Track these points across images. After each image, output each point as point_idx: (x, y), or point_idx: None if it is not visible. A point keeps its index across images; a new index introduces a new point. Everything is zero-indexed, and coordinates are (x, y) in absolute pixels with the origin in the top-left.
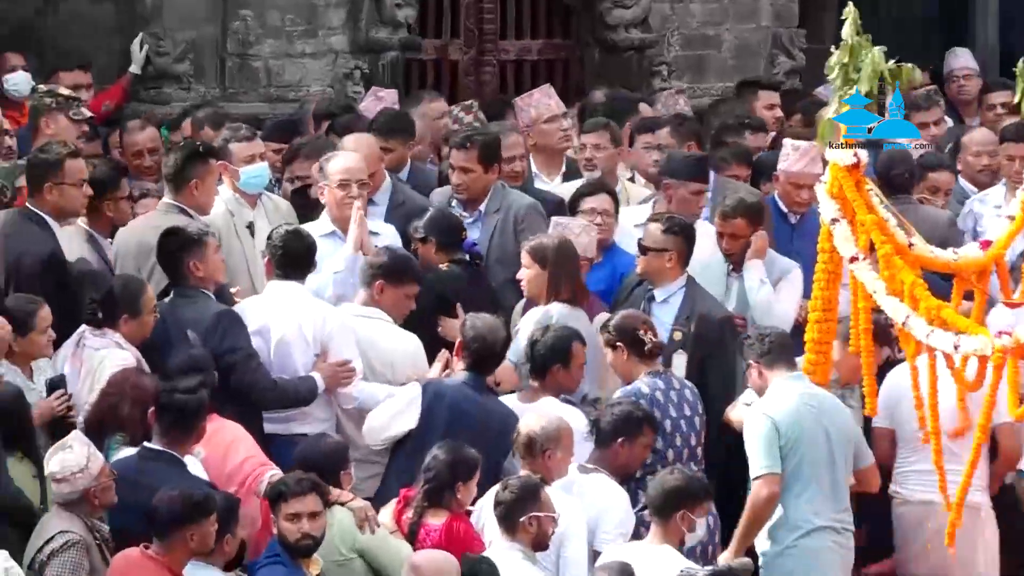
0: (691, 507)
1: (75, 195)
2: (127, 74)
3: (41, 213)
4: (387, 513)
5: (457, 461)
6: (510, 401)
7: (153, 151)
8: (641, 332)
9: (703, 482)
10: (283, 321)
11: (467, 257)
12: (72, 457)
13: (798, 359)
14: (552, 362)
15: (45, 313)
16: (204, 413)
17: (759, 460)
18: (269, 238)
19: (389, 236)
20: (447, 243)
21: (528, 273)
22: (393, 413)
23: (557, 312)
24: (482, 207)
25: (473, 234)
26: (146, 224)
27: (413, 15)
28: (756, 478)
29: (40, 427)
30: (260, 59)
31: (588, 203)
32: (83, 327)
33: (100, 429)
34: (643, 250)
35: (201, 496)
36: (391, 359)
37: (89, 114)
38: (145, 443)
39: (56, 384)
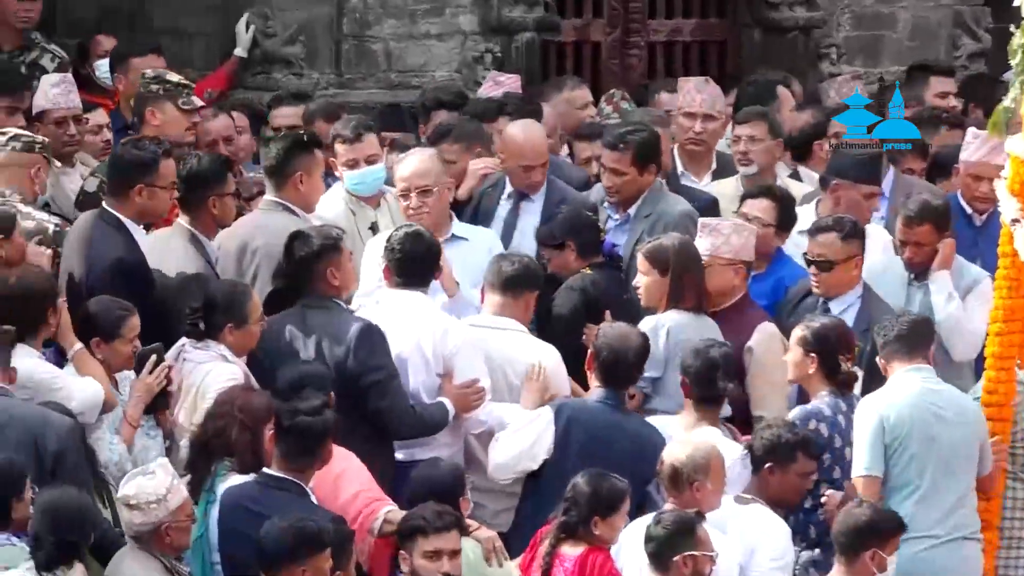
0: (881, 545)
1: (165, 198)
2: (232, 58)
3: (120, 216)
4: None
5: (599, 493)
6: (671, 425)
7: (229, 140)
8: (842, 359)
9: (895, 517)
10: (400, 336)
11: (607, 260)
12: (151, 485)
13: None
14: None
15: (135, 322)
16: (329, 437)
17: (858, 460)
18: (387, 241)
19: (486, 240)
20: (586, 246)
21: (645, 280)
22: (524, 445)
23: (671, 321)
24: (632, 210)
25: (619, 238)
26: (250, 223)
27: None
28: (855, 479)
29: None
30: (380, 41)
31: (746, 207)
32: (183, 339)
33: (206, 454)
34: (822, 265)
35: (314, 529)
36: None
37: (200, 103)
38: (264, 469)
39: (146, 356)
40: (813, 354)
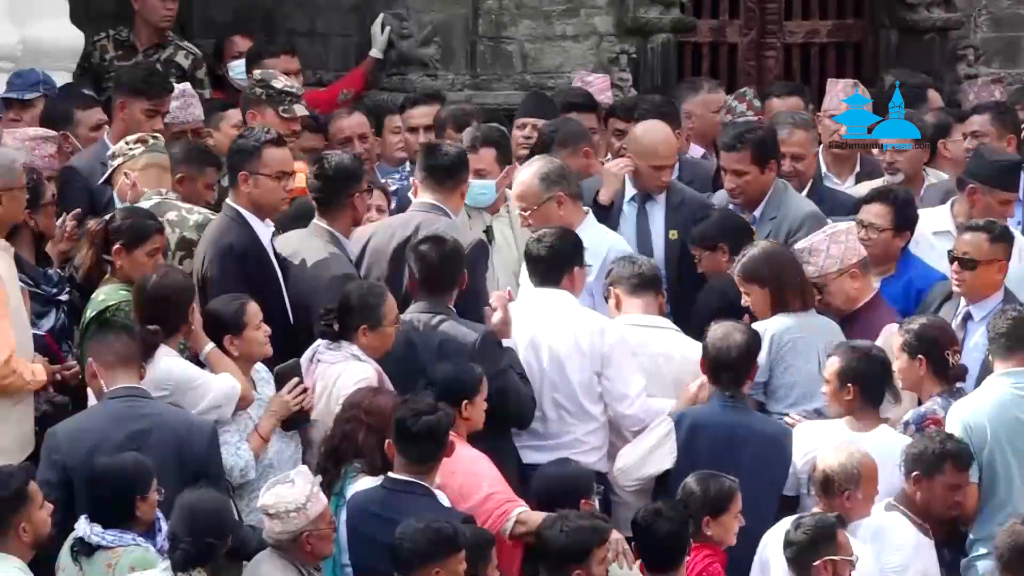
0: None
1: (271, 187)
2: (367, 59)
3: (237, 207)
4: None
5: (708, 493)
6: (841, 429)
7: (363, 138)
8: (949, 353)
9: None
10: (555, 332)
11: None
12: (291, 493)
13: None
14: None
15: (253, 308)
16: (447, 436)
17: None
18: (527, 244)
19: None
20: (738, 248)
21: (750, 299)
22: (645, 451)
23: (775, 326)
24: (757, 211)
25: None
26: (399, 224)
27: None
28: None
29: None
30: (515, 42)
31: (862, 212)
32: (318, 341)
33: (335, 457)
34: (966, 263)
35: (450, 530)
36: (693, 370)
37: (303, 112)
38: (388, 473)
39: (286, 374)
40: (920, 356)
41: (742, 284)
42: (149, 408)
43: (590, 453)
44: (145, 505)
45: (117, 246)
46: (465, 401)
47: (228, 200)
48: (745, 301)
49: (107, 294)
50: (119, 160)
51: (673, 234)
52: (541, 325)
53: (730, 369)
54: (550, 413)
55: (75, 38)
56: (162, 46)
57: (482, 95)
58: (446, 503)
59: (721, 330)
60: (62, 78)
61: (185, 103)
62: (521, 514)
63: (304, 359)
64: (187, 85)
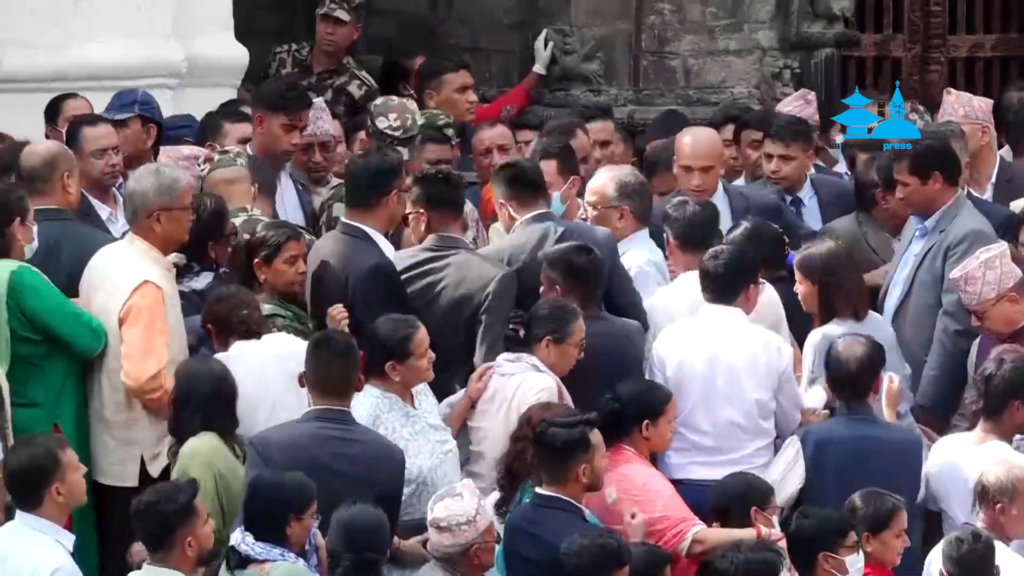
0: None
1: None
2: (531, 74)
3: (362, 227)
4: None
5: (867, 510)
6: (961, 442)
7: (503, 149)
8: None
9: None
10: (732, 351)
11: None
12: (461, 506)
13: None
14: (1010, 397)
15: (422, 336)
16: (582, 450)
17: None
18: (706, 256)
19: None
20: (770, 260)
21: (801, 289)
22: (779, 475)
23: (822, 336)
24: (930, 222)
25: (916, 248)
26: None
27: (850, 7)
28: None
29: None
30: (678, 57)
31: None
32: (499, 356)
33: (511, 475)
34: None
35: (615, 546)
36: (766, 312)
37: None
38: (536, 489)
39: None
40: None
41: (797, 274)
42: (354, 431)
43: (758, 470)
44: (299, 527)
45: (256, 260)
46: (647, 421)
47: (348, 220)
48: (796, 288)
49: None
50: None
51: None
52: (718, 342)
53: (852, 382)
54: (723, 429)
55: (239, 55)
56: (338, 72)
57: (644, 110)
58: (595, 520)
59: (842, 344)
60: (225, 95)
61: (315, 116)
62: (698, 533)
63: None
64: (321, 100)
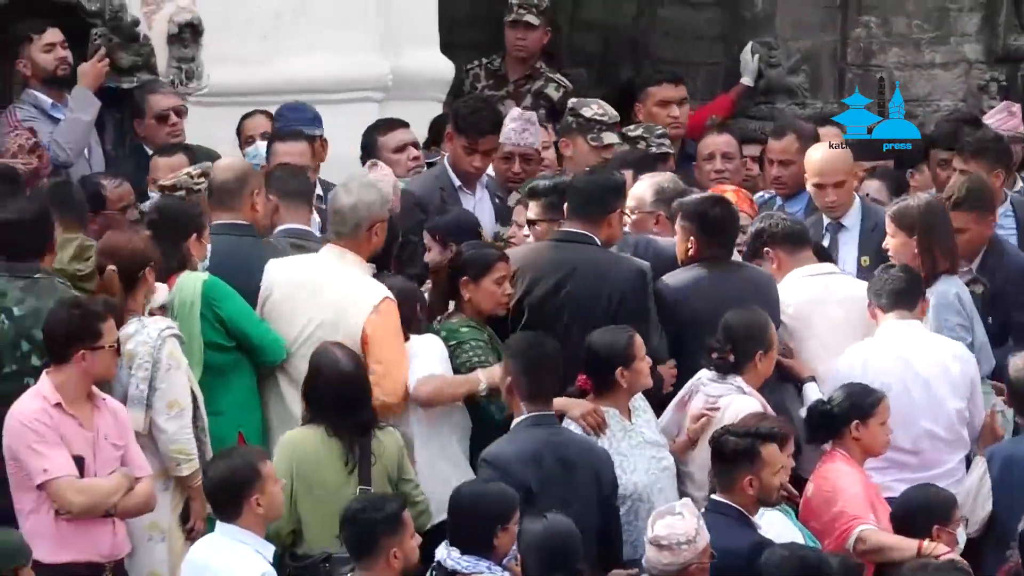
0: None
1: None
2: (738, 85)
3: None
4: None
5: None
6: None
7: (728, 156)
8: None
9: None
10: (923, 362)
11: None
12: (681, 525)
13: None
14: None
15: (639, 340)
16: (749, 461)
17: None
18: (875, 275)
19: None
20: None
21: (893, 242)
22: (971, 497)
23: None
24: None
25: None
26: None
27: None
28: None
29: None
30: (884, 70)
31: None
32: (700, 372)
33: None
34: None
35: (815, 559)
36: None
37: (612, 140)
38: (712, 495)
39: None
40: None
41: (890, 227)
42: (566, 435)
43: (958, 484)
44: (506, 536)
45: (464, 279)
46: (856, 421)
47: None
48: (886, 244)
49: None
50: (180, 193)
51: (865, 260)
52: (908, 356)
53: None
54: (923, 444)
55: (445, 68)
56: (533, 77)
57: None
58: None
59: (1020, 360)
60: (431, 108)
61: (521, 127)
62: (863, 531)
63: (684, 391)
64: (532, 112)
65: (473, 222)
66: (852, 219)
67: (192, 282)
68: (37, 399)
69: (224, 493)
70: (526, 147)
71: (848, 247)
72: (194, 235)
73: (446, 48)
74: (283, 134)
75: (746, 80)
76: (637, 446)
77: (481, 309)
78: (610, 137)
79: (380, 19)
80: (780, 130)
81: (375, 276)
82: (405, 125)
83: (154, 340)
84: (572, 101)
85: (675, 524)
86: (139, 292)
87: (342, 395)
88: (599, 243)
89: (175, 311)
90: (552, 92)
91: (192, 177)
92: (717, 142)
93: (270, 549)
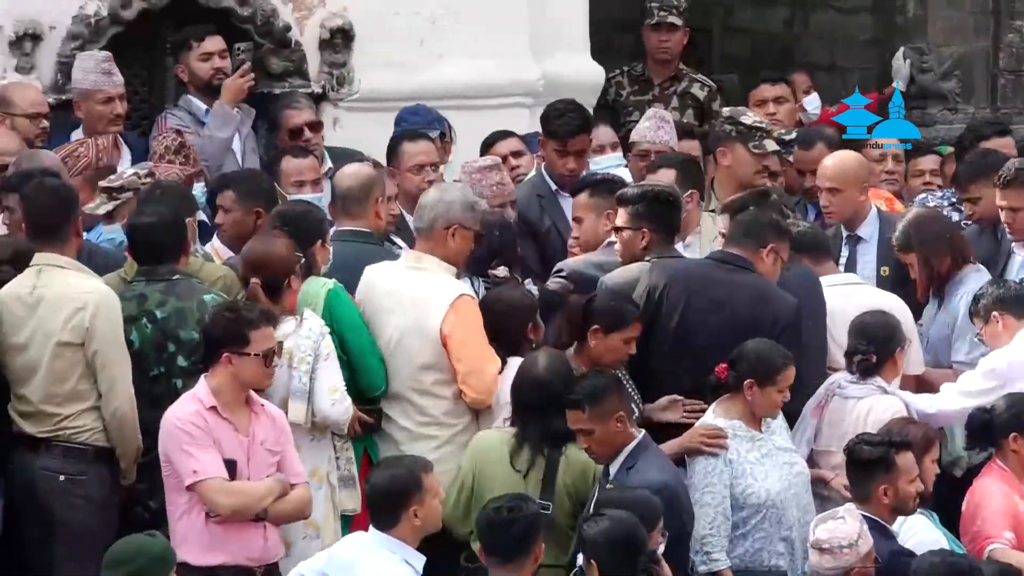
0: None
1: None
2: (890, 88)
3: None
4: None
5: None
6: None
7: (898, 160)
8: None
9: None
10: None
11: None
12: (843, 529)
13: None
14: None
15: (790, 373)
16: (883, 470)
17: None
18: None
19: None
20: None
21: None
22: None
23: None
24: None
25: None
26: None
27: None
28: None
29: None
30: None
31: None
32: (834, 376)
33: None
34: None
35: (965, 566)
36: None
37: (773, 148)
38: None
39: None
40: None
41: (899, 256)
42: None
43: None
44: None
45: (595, 327)
46: (1014, 434)
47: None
48: (914, 274)
49: None
50: (128, 195)
51: (885, 271)
52: None
53: None
54: None
55: (595, 73)
56: (677, 79)
57: None
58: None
59: None
60: None
61: (656, 125)
62: (993, 550)
63: (819, 394)
64: (664, 112)
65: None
66: (869, 230)
67: (317, 288)
68: (193, 402)
69: (383, 501)
70: (661, 145)
71: (867, 258)
72: (319, 241)
73: (601, 53)
74: (410, 134)
75: (897, 85)
76: (768, 454)
77: (600, 361)
78: (771, 144)
79: (531, 25)
80: (809, 140)
81: (498, 283)
82: (511, 135)
83: (315, 335)
84: (726, 110)
85: (837, 528)
86: (284, 298)
87: (534, 402)
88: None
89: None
90: (697, 92)
91: (139, 177)
92: (814, 156)
93: (420, 560)
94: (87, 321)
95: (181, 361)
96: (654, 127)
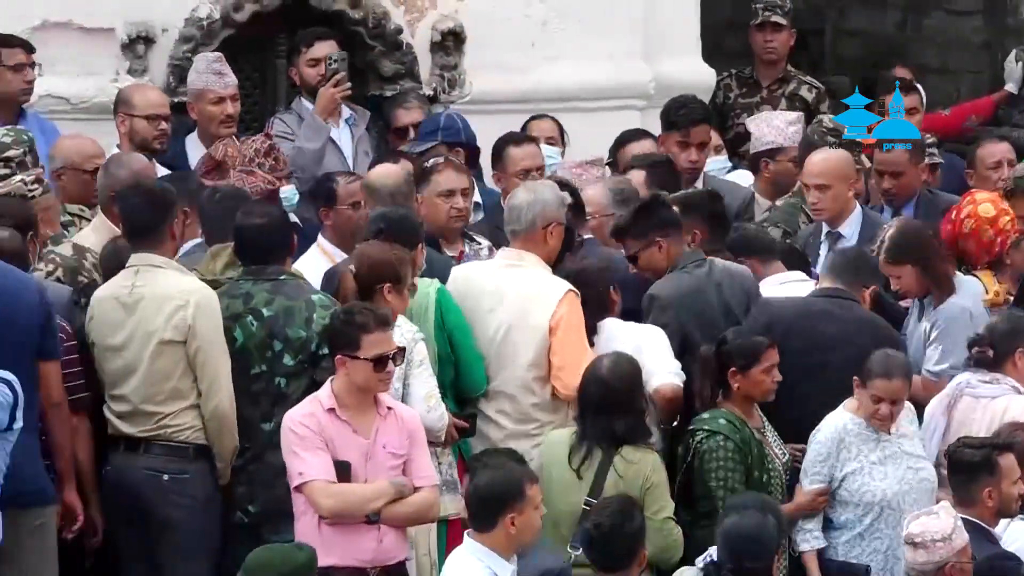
0: None
1: None
2: (1002, 91)
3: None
4: None
5: None
6: None
7: (1012, 165)
8: None
9: None
10: None
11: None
12: (936, 524)
13: None
14: None
15: (897, 386)
16: (987, 472)
17: None
18: None
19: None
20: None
21: (901, 282)
22: None
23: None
24: None
25: None
26: None
27: None
28: None
29: None
30: None
31: None
32: (961, 376)
33: None
34: None
35: None
36: None
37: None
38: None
39: None
40: None
41: (889, 268)
42: None
43: None
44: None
45: (732, 370)
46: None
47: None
48: (895, 285)
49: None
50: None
51: None
52: None
53: None
54: None
55: (706, 75)
56: (785, 80)
57: None
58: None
59: None
60: None
61: (785, 124)
62: None
63: (947, 393)
64: (800, 114)
65: None
66: (850, 228)
67: (425, 288)
68: (312, 403)
69: (483, 504)
70: (788, 148)
71: None
72: (420, 245)
73: (712, 56)
74: (516, 138)
75: (1010, 87)
76: (891, 456)
77: (751, 397)
78: (864, 160)
79: (643, 26)
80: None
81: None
82: (647, 136)
83: (408, 341)
84: (826, 119)
85: (929, 523)
86: (379, 303)
87: (595, 401)
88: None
89: (412, 317)
90: (805, 94)
91: (25, 184)
92: (1001, 150)
93: (508, 570)
94: (189, 318)
95: (287, 360)
96: (780, 128)
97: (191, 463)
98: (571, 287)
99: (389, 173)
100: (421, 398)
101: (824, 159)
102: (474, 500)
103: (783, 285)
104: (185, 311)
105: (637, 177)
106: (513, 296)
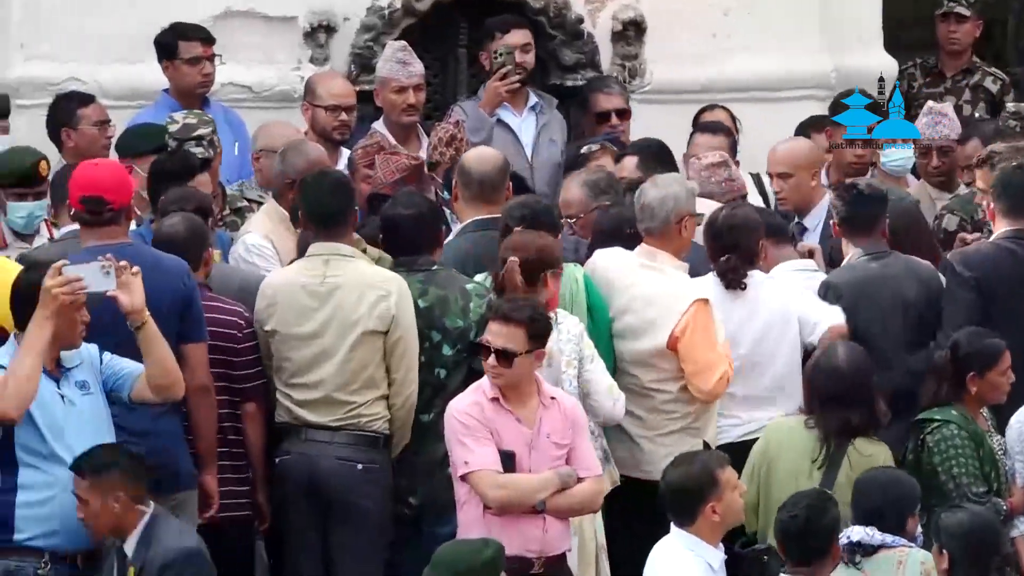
0: None
1: None
2: None
3: None
4: None
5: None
6: None
7: None
8: None
9: None
10: None
11: None
12: None
13: None
14: None
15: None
16: None
17: None
18: None
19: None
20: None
21: None
22: None
23: None
24: None
25: None
26: None
27: None
28: None
29: None
30: None
31: None
32: None
33: None
34: None
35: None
36: None
37: None
38: None
39: None
40: None
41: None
42: None
43: None
44: (912, 522)
45: (971, 374)
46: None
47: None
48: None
49: None
50: None
51: None
52: None
53: None
54: None
55: (888, 66)
56: (970, 72)
57: None
58: None
59: None
60: None
61: (933, 120)
62: None
63: None
64: (940, 105)
65: None
66: (814, 220)
67: (574, 273)
68: (475, 392)
69: (680, 500)
70: (942, 140)
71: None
72: (557, 235)
73: (893, 48)
74: (708, 126)
75: None
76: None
77: (985, 400)
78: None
79: (824, 17)
80: (965, 135)
81: None
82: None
83: (575, 336)
84: (1011, 106)
85: None
86: (540, 291)
87: (831, 392)
88: None
89: (564, 303)
90: (990, 85)
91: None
92: None
93: (717, 557)
94: (393, 308)
95: (446, 350)
96: (932, 122)
97: (379, 453)
98: (700, 295)
99: (484, 159)
100: (604, 391)
101: (788, 148)
102: (670, 499)
103: (795, 272)
104: (388, 300)
105: (629, 162)
106: (642, 300)
